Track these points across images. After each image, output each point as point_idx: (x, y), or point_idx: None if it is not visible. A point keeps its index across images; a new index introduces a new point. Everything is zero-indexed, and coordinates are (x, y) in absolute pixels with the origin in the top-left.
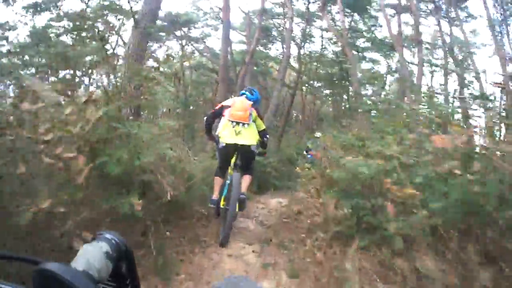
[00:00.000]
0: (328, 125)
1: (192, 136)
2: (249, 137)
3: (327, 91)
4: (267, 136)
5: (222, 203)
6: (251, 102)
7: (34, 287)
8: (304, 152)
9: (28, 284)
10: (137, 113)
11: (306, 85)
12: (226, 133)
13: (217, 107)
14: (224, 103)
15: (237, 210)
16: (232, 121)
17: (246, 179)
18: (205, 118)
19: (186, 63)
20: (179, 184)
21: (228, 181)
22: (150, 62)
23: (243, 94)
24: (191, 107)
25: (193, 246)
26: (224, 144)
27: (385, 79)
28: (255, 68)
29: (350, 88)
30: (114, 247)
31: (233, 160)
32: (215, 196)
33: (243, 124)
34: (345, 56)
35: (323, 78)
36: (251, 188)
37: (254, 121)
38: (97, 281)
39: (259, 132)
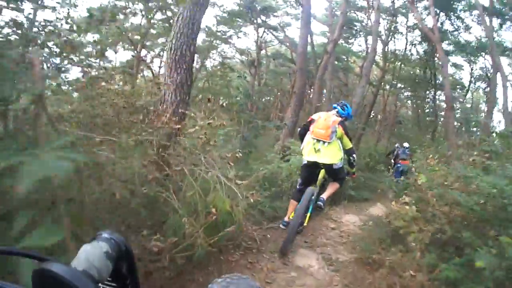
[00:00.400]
0: (406, 129)
1: (255, 135)
2: (329, 155)
3: (408, 93)
4: (354, 155)
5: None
6: (337, 120)
7: (34, 287)
8: (392, 160)
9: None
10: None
11: (389, 85)
12: (307, 150)
13: (309, 120)
14: (313, 116)
15: (302, 222)
16: (313, 138)
17: (332, 186)
18: (299, 129)
19: (264, 52)
20: None
21: (307, 196)
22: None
23: (335, 108)
24: (261, 99)
25: None
26: (305, 162)
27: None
28: (336, 62)
29: (438, 92)
30: (114, 246)
31: (320, 176)
32: (287, 218)
33: (324, 142)
34: (433, 56)
35: (406, 78)
36: None
37: (339, 138)
38: (97, 281)
39: (345, 150)
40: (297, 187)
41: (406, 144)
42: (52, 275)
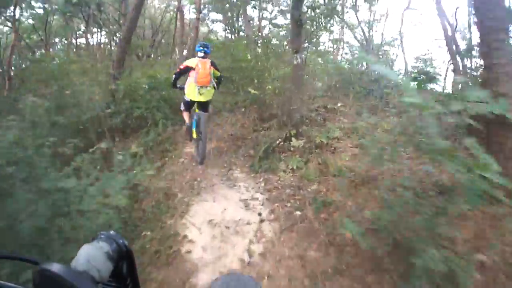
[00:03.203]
0: None
1: None
2: (208, 95)
3: None
4: (222, 78)
5: (195, 135)
6: (209, 62)
7: (35, 287)
8: None
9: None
10: None
11: None
12: (191, 93)
13: (182, 67)
14: (188, 63)
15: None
16: (197, 86)
17: (206, 115)
18: (173, 75)
19: None
20: None
21: (195, 118)
22: None
23: (200, 50)
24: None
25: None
26: (189, 100)
27: None
28: None
29: None
30: (115, 247)
31: (196, 105)
32: (188, 122)
33: (206, 87)
34: None
35: None
36: None
37: (213, 75)
38: (97, 281)
39: (217, 77)
40: (184, 107)
41: None
42: (53, 276)
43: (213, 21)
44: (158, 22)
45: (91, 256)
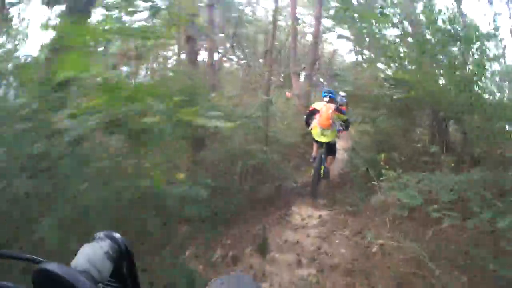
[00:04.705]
0: None
1: None
2: (329, 137)
3: None
4: (349, 122)
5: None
6: (333, 107)
7: (34, 287)
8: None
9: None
10: None
11: None
12: (316, 133)
13: (311, 109)
14: (316, 106)
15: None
16: (320, 128)
17: (330, 157)
18: (304, 116)
19: None
20: None
21: (320, 157)
22: None
23: (325, 95)
24: None
25: None
26: (315, 139)
27: None
28: None
29: None
30: (115, 247)
31: (323, 145)
32: (314, 153)
33: (327, 129)
34: None
35: None
36: None
37: (337, 118)
38: (97, 281)
39: (343, 121)
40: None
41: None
42: (52, 276)
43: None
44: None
45: (91, 256)
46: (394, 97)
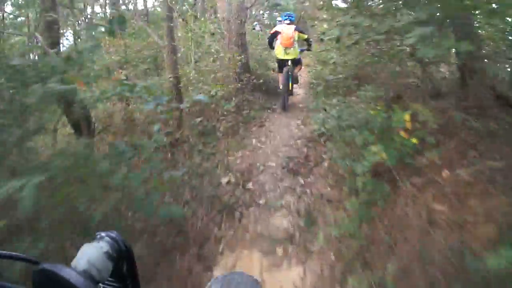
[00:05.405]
0: None
1: None
2: (293, 54)
3: None
4: (310, 40)
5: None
6: (293, 27)
7: (34, 287)
8: None
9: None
10: None
11: None
12: (279, 52)
13: (272, 32)
14: (277, 29)
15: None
16: (282, 47)
17: (298, 67)
18: (267, 39)
19: None
20: None
21: (287, 71)
22: None
23: (287, 19)
24: None
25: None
26: (278, 58)
27: None
28: None
29: None
30: (115, 247)
31: (289, 63)
32: (281, 81)
33: (289, 47)
34: None
35: None
36: None
37: (298, 38)
38: (97, 281)
39: (305, 39)
40: (277, 69)
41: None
42: (53, 276)
43: None
44: None
45: (91, 255)
46: None
